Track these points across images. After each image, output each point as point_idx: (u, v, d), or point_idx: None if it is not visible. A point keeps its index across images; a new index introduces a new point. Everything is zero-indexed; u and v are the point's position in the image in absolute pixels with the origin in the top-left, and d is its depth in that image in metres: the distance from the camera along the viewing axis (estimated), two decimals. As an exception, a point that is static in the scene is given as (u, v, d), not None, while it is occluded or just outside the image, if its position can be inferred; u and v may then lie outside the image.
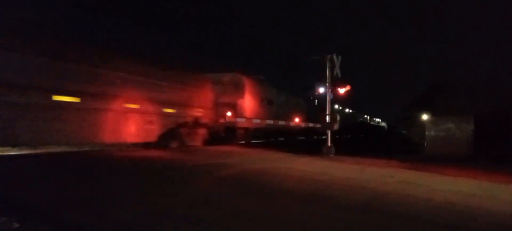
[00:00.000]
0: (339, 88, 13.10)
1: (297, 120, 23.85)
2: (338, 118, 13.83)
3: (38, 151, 9.87)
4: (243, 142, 17.97)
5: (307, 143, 22.05)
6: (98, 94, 10.06)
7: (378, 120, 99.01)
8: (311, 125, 25.42)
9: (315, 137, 25.53)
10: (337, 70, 13.04)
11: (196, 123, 14.36)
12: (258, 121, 18.87)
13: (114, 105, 10.53)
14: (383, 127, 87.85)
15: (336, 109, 51.26)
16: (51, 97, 8.91)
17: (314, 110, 27.90)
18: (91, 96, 9.83)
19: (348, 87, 13.16)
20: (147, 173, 7.50)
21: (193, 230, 3.78)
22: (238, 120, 16.97)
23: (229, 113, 16.02)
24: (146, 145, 11.84)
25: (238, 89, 18.03)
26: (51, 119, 8.91)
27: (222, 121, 15.80)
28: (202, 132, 14.92)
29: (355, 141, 32.29)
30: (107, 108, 10.33)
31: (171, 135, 12.92)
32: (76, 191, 5.39)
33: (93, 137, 10.16)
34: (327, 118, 13.43)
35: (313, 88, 14.01)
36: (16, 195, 5.02)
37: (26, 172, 6.98)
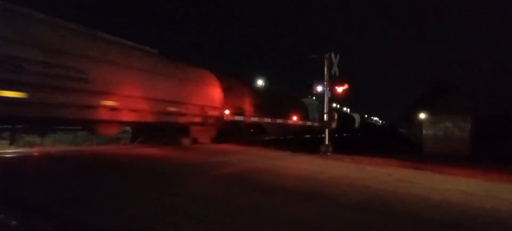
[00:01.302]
0: (337, 87, 13.09)
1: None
2: (336, 116, 13.82)
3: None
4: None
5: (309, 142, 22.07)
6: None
7: (375, 118, 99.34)
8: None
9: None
10: (335, 69, 13.06)
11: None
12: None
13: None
14: (382, 126, 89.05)
15: (355, 115, 52.07)
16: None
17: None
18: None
19: (346, 86, 13.14)
20: (147, 171, 7.46)
21: (193, 228, 3.74)
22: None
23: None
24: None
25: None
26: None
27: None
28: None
29: (357, 139, 32.25)
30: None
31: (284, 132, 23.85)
32: (75, 189, 5.35)
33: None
34: (325, 116, 13.41)
35: (312, 86, 14.00)
36: (15, 192, 4.98)
37: (25, 170, 6.92)
